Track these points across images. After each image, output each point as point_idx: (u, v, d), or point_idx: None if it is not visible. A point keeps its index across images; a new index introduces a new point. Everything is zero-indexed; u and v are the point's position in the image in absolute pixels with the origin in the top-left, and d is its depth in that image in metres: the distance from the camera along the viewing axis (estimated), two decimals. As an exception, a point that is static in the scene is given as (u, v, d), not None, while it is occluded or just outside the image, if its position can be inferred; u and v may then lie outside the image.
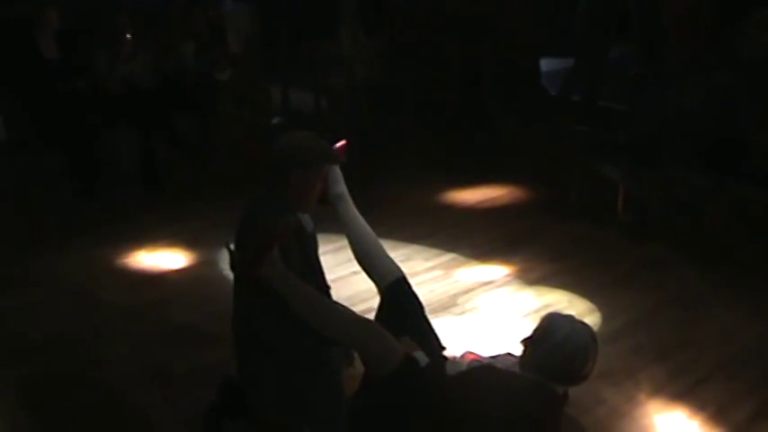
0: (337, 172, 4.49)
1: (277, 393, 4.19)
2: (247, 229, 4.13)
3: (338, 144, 4.49)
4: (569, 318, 4.04)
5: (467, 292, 6.30)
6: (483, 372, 4.16)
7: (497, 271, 6.72)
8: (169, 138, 8.98)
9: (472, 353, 4.67)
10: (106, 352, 5.44)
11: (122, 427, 4.73)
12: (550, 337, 3.95)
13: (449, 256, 6.89)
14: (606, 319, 6.00)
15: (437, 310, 5.85)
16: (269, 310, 4.02)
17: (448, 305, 6.12)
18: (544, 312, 5.76)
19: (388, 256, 4.66)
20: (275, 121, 10.75)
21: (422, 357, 4.10)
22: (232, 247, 4.04)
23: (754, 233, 7.17)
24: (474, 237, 7.38)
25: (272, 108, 10.74)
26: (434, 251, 6.90)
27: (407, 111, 10.34)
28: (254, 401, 4.29)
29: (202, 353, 5.41)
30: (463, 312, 5.99)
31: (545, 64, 11.49)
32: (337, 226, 4.47)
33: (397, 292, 4.55)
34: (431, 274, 6.51)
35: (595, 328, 5.70)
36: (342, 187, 4.50)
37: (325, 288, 4.41)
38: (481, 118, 10.41)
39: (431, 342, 4.55)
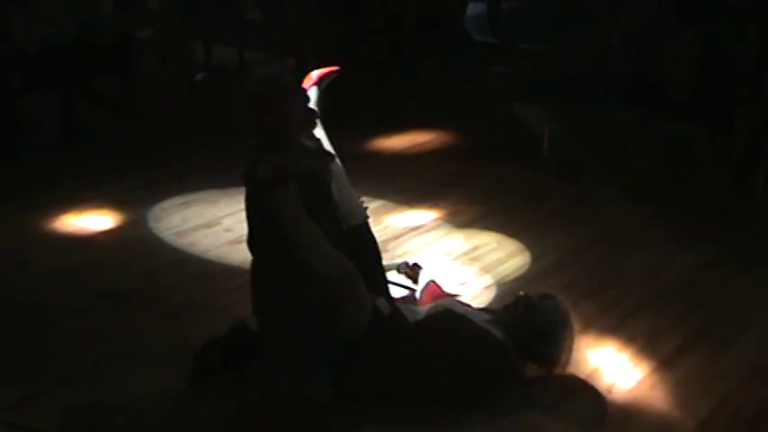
0: None
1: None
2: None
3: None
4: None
5: (397, 237, 6.31)
6: (445, 321, 4.21)
7: (426, 216, 6.74)
8: (90, 97, 8.83)
9: (435, 283, 4.75)
10: (36, 317, 5.37)
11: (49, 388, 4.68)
12: (555, 327, 4.19)
13: (377, 203, 6.89)
14: (536, 257, 6.05)
15: (368, 257, 5.86)
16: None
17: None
18: (474, 255, 5.84)
19: (358, 199, 4.70)
20: (198, 77, 10.64)
21: (383, 305, 4.13)
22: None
23: (678, 167, 7.28)
24: (402, 183, 7.40)
25: (194, 64, 10.63)
26: (363, 198, 6.89)
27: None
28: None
29: (133, 313, 5.37)
30: (394, 258, 5.99)
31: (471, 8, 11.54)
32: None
33: (359, 237, 4.58)
34: (360, 222, 6.51)
35: (525, 268, 5.83)
36: None
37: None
38: (402, 63, 10.39)
39: (385, 291, 4.60)
